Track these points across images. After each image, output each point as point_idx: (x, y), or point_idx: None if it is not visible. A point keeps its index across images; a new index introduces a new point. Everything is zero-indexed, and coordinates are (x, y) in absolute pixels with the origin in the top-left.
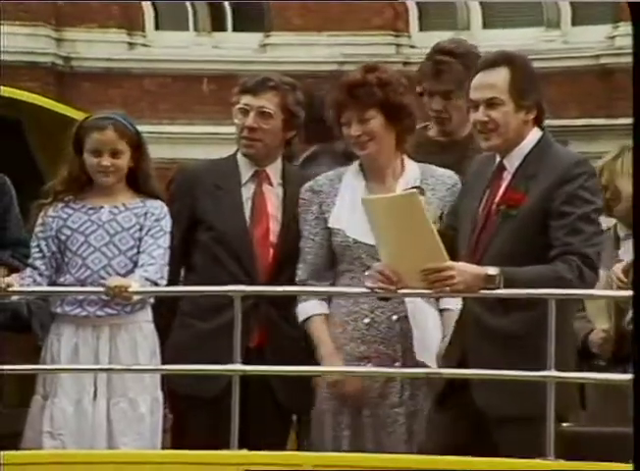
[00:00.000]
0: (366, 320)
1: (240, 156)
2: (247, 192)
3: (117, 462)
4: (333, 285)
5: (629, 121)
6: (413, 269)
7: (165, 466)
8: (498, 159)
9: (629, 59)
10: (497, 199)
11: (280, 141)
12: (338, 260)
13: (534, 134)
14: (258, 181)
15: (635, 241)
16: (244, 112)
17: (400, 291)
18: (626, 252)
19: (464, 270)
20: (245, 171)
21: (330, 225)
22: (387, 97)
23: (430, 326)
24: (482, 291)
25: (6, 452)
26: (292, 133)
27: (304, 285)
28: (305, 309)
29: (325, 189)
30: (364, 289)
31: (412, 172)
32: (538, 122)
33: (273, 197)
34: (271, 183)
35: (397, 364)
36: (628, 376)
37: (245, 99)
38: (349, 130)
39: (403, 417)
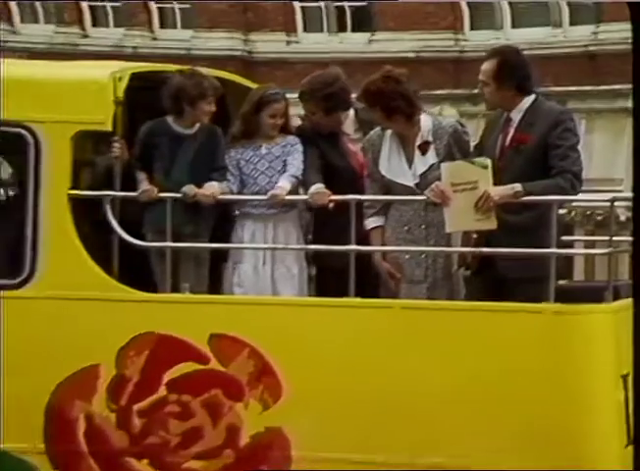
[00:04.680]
0: (405, 227)
1: None
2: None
3: (278, 304)
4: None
5: (610, 87)
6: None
7: (308, 308)
8: (505, 114)
9: (610, 47)
10: (508, 140)
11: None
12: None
13: (529, 98)
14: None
15: (635, 240)
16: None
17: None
18: None
19: (497, 190)
20: None
21: (379, 169)
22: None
23: None
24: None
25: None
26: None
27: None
28: (369, 222)
29: (376, 142)
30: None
31: (426, 126)
32: (527, 91)
33: (352, 145)
34: (347, 135)
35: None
36: (607, 250)
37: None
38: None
39: (425, 289)
